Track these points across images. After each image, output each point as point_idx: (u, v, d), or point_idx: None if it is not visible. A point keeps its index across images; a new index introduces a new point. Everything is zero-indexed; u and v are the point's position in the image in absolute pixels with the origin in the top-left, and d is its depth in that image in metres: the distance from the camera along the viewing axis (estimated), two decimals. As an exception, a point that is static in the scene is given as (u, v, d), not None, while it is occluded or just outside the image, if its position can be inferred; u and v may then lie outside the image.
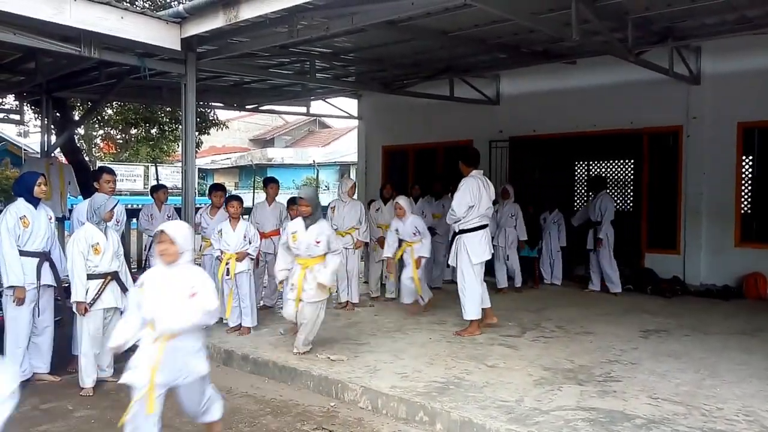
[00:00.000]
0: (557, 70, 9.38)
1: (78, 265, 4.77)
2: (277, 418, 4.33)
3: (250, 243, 6.27)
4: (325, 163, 28.48)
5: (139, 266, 9.83)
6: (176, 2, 10.47)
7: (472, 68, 9.34)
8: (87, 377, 4.85)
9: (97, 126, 18.10)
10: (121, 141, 22.73)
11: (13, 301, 4.85)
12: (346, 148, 26.86)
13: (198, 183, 14.67)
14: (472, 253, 5.96)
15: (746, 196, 8.79)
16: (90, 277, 4.81)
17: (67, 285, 5.06)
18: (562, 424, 3.82)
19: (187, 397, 3.48)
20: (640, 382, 4.63)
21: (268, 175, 9.23)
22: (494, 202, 6.68)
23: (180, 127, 11.90)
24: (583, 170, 10.76)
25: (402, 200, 7.14)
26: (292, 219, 6.92)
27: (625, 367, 5.02)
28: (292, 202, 7.12)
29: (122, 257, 5.13)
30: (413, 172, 12.02)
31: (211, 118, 14.16)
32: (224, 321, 6.59)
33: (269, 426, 4.19)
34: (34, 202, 5.03)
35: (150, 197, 8.15)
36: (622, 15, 6.50)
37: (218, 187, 7.40)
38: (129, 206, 12.38)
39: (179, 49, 5.56)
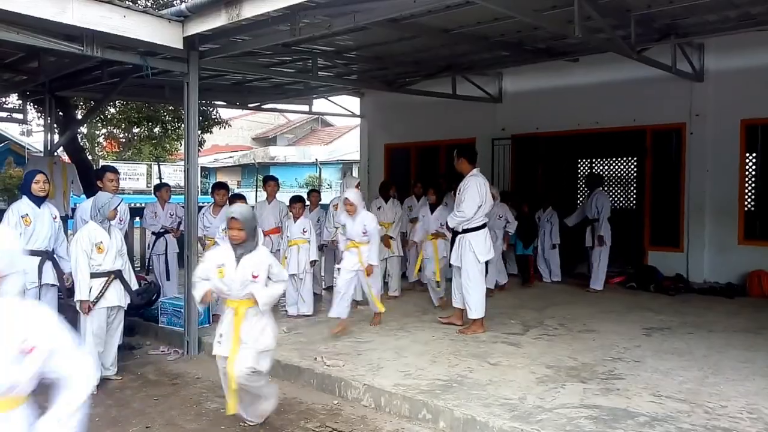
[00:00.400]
0: (560, 67, 9.36)
1: (81, 263, 4.79)
2: (281, 415, 4.33)
3: None
4: (327, 162, 28.46)
5: (143, 265, 9.84)
6: (178, 1, 10.47)
7: (475, 66, 9.33)
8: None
9: (99, 125, 18.12)
10: (123, 140, 22.76)
11: None
12: (349, 146, 26.82)
13: (201, 181, 14.71)
14: (478, 252, 5.99)
15: (750, 194, 8.77)
16: (93, 275, 4.83)
17: (71, 284, 5.07)
18: (565, 422, 3.82)
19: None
20: (643, 379, 4.63)
21: (268, 174, 9.23)
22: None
23: (182, 125, 11.91)
24: (586, 168, 10.76)
25: (351, 194, 6.32)
26: (294, 218, 6.96)
27: (628, 364, 5.02)
28: (294, 200, 7.12)
29: (126, 256, 5.15)
30: (415, 170, 12.02)
31: (213, 116, 14.17)
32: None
33: (273, 424, 4.20)
34: (37, 200, 5.05)
35: (153, 196, 8.17)
36: (625, 12, 6.48)
37: (221, 186, 7.41)
38: (132, 205, 12.41)
39: (182, 47, 5.56)
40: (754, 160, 8.76)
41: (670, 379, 4.64)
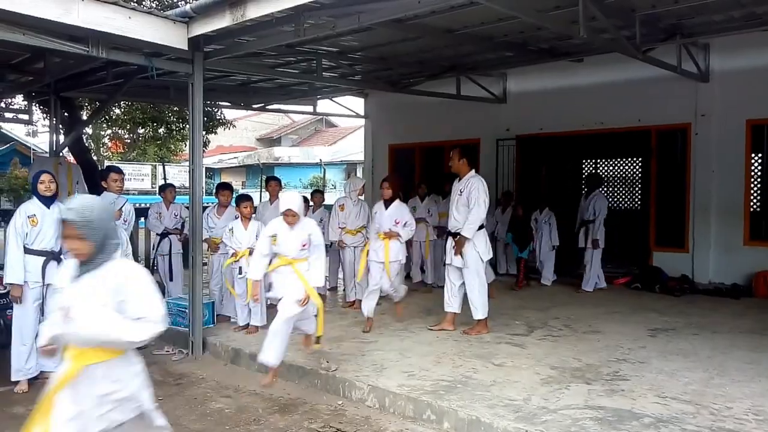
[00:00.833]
0: (564, 67, 9.34)
1: None
2: (285, 416, 4.34)
3: None
4: (331, 162, 28.48)
5: (147, 265, 9.86)
6: (183, 2, 10.49)
7: (479, 66, 9.32)
8: None
9: (104, 125, 18.19)
10: (128, 140, 22.82)
11: (10, 299, 4.95)
12: (353, 146, 26.85)
13: (205, 182, 14.72)
14: (481, 252, 6.00)
15: (755, 194, 8.74)
16: None
17: None
18: (570, 423, 3.81)
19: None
20: (648, 380, 4.61)
21: (270, 175, 9.25)
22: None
23: (187, 126, 11.95)
24: (591, 168, 10.74)
25: (291, 201, 4.80)
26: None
27: (633, 365, 5.00)
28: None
29: (130, 256, 5.16)
30: (420, 170, 12.02)
31: (218, 117, 14.20)
32: (232, 320, 6.63)
33: (277, 424, 4.21)
34: (46, 200, 5.07)
35: (159, 196, 8.19)
36: (630, 12, 6.47)
37: (225, 186, 7.42)
38: (137, 205, 12.44)
39: (186, 48, 5.57)
40: (759, 161, 8.73)
41: (675, 380, 4.63)
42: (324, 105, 13.36)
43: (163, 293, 7.20)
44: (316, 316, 5.09)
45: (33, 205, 5.08)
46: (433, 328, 6.21)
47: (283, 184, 8.32)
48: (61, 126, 9.63)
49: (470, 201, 5.94)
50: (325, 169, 27.41)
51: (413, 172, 12.02)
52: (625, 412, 3.97)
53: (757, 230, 8.59)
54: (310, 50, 7.78)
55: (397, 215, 6.38)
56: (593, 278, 8.52)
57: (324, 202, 8.79)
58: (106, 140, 22.98)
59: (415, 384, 4.54)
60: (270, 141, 36.69)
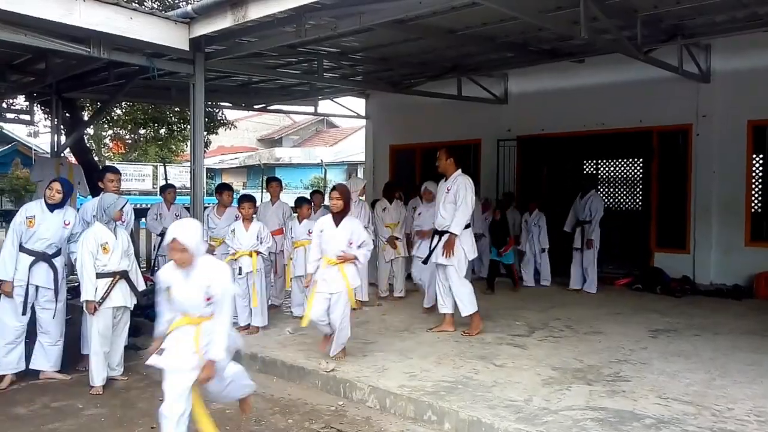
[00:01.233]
0: (566, 68, 9.34)
1: (87, 264, 4.81)
2: (286, 417, 4.34)
3: (261, 243, 6.32)
4: (332, 163, 28.51)
5: (148, 266, 9.87)
6: (184, 2, 10.51)
7: (480, 67, 9.33)
8: (97, 376, 4.88)
9: (106, 126, 18.20)
10: (130, 141, 22.83)
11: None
12: (354, 147, 26.88)
13: (206, 182, 14.73)
14: (467, 250, 6.00)
15: (757, 195, 8.74)
16: (99, 276, 4.84)
17: (76, 284, 5.10)
18: (571, 424, 3.80)
19: None
20: (649, 381, 4.61)
21: (271, 175, 9.27)
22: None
23: (188, 126, 11.94)
24: (592, 169, 10.73)
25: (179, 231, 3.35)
26: (299, 219, 6.98)
27: (634, 366, 5.00)
28: (300, 202, 7.14)
29: (132, 256, 5.16)
30: (420, 171, 12.01)
31: (219, 117, 14.21)
32: (234, 320, 6.63)
33: (277, 425, 4.20)
34: (50, 205, 5.11)
35: (160, 197, 8.21)
36: (631, 13, 6.47)
37: (226, 187, 7.45)
38: (138, 206, 12.45)
39: (188, 49, 5.58)
40: (761, 161, 8.72)
41: (677, 381, 4.62)
42: (325, 106, 13.38)
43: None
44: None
45: (35, 207, 5.13)
46: (434, 330, 6.20)
47: (283, 185, 8.32)
48: (62, 126, 9.65)
49: (457, 199, 5.93)
50: (326, 170, 27.43)
51: (414, 172, 12.02)
52: (626, 413, 3.97)
53: (759, 231, 8.58)
54: (311, 51, 7.79)
55: (350, 234, 5.07)
56: (594, 278, 8.48)
57: (324, 203, 8.78)
58: (107, 141, 23.00)
59: (416, 385, 4.54)
60: (271, 141, 36.73)
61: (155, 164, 25.88)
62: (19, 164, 21.95)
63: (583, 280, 8.57)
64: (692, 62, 8.28)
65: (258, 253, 6.26)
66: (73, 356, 5.36)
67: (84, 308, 4.90)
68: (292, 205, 7.50)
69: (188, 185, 6.54)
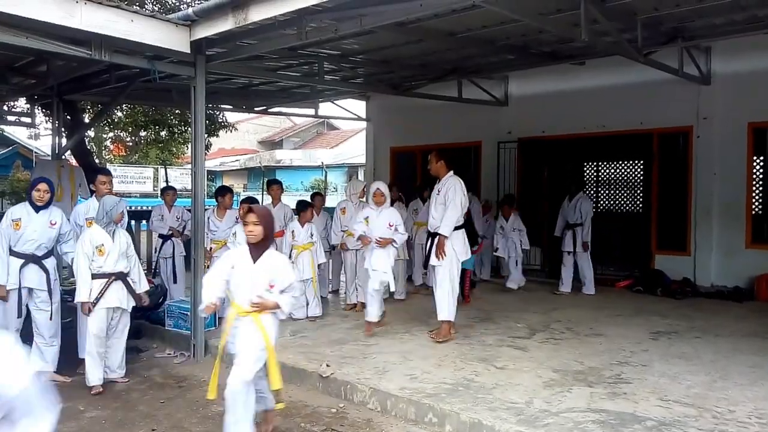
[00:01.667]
0: (566, 71, 9.36)
1: (82, 266, 4.89)
2: (287, 419, 4.33)
3: None
4: (333, 165, 28.50)
5: (149, 268, 9.87)
6: (185, 5, 10.52)
7: (481, 69, 9.34)
8: (93, 376, 4.94)
9: (107, 128, 18.21)
10: (130, 143, 22.84)
11: None
12: (355, 149, 26.87)
13: (207, 185, 14.76)
14: (458, 251, 5.94)
15: (757, 197, 8.73)
16: (94, 276, 4.91)
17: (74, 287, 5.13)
18: (572, 426, 3.80)
19: None
20: (650, 384, 4.60)
21: (272, 178, 9.28)
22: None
23: (189, 129, 11.95)
24: (593, 171, 10.73)
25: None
26: (301, 222, 6.99)
27: (635, 368, 5.00)
28: (303, 206, 7.15)
29: (133, 258, 5.18)
30: (421, 173, 12.01)
31: (220, 120, 14.23)
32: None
33: (279, 427, 4.20)
34: (36, 206, 5.15)
35: (161, 199, 8.22)
36: (631, 15, 6.48)
37: (227, 190, 7.47)
38: (139, 208, 12.47)
39: (189, 51, 5.58)
40: (761, 163, 8.72)
41: (678, 383, 4.62)
42: (326, 108, 13.39)
43: (166, 296, 7.21)
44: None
45: (20, 209, 5.19)
46: (433, 334, 6.14)
47: (284, 187, 8.34)
48: (63, 129, 9.65)
49: (447, 200, 5.90)
50: (326, 172, 27.44)
51: (415, 174, 12.03)
52: (627, 416, 3.97)
53: (759, 233, 8.58)
54: (312, 53, 7.80)
55: (272, 273, 3.70)
56: (591, 279, 8.46)
57: (325, 205, 8.80)
58: (108, 143, 23.02)
59: (417, 387, 4.54)
60: (272, 144, 36.73)
61: (156, 166, 25.89)
62: (20, 166, 21.97)
63: (576, 283, 8.51)
64: (692, 64, 8.29)
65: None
66: (73, 359, 5.36)
67: (79, 309, 4.94)
68: (293, 207, 7.52)
69: (189, 187, 6.54)
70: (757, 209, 8.73)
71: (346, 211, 7.60)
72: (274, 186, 7.82)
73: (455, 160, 6.32)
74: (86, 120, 11.68)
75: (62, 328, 5.43)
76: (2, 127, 18.43)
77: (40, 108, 10.74)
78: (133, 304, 5.16)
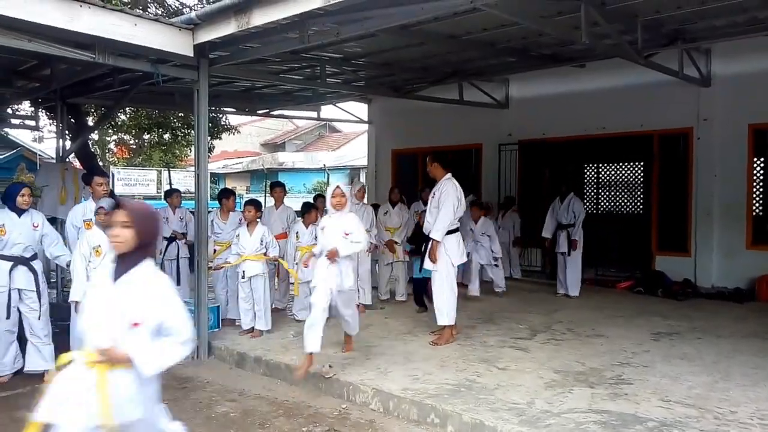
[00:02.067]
0: (566, 73, 9.39)
1: (78, 266, 5.04)
2: (290, 419, 4.36)
3: (266, 247, 6.37)
4: (335, 167, 28.51)
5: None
6: (188, 9, 10.57)
7: (482, 72, 9.36)
8: None
9: (110, 131, 18.27)
10: (134, 146, 22.92)
11: None
12: (356, 152, 26.88)
13: (210, 187, 14.86)
14: (452, 256, 5.88)
15: (758, 198, 8.75)
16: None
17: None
18: (574, 427, 3.82)
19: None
20: (651, 384, 4.62)
21: (275, 180, 9.30)
22: None
23: (192, 132, 12.00)
24: (593, 173, 10.76)
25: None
26: (305, 224, 7.02)
27: (636, 369, 5.01)
28: (307, 208, 7.19)
29: None
30: (422, 175, 12.04)
31: (223, 123, 14.26)
32: (237, 323, 6.67)
33: (282, 428, 4.23)
34: (18, 210, 5.28)
35: (164, 201, 8.26)
36: (632, 17, 6.50)
37: (230, 192, 7.52)
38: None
39: (192, 55, 5.62)
40: (762, 165, 8.74)
41: (679, 384, 4.64)
42: (328, 110, 13.44)
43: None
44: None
45: (2, 216, 5.26)
46: (434, 339, 6.08)
47: (287, 189, 8.38)
48: (67, 132, 9.68)
49: (440, 204, 5.84)
50: (328, 174, 27.46)
51: (416, 177, 12.06)
52: (629, 416, 3.99)
53: (760, 234, 8.59)
54: (314, 56, 7.84)
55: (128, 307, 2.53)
56: (578, 281, 8.35)
57: (326, 207, 8.80)
58: (111, 146, 23.09)
59: (419, 387, 4.56)
60: (274, 146, 36.75)
61: (159, 169, 25.93)
62: (24, 169, 21.97)
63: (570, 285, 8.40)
64: (693, 66, 8.31)
65: (264, 254, 6.33)
66: None
67: (73, 309, 5.09)
68: (296, 209, 7.56)
69: (192, 190, 6.58)
70: (757, 210, 8.74)
71: None
72: (277, 188, 7.87)
73: (456, 162, 6.33)
74: (90, 123, 11.71)
75: (62, 328, 5.51)
76: (6, 130, 18.48)
77: (44, 111, 10.78)
78: None
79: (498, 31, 6.90)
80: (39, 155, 22.17)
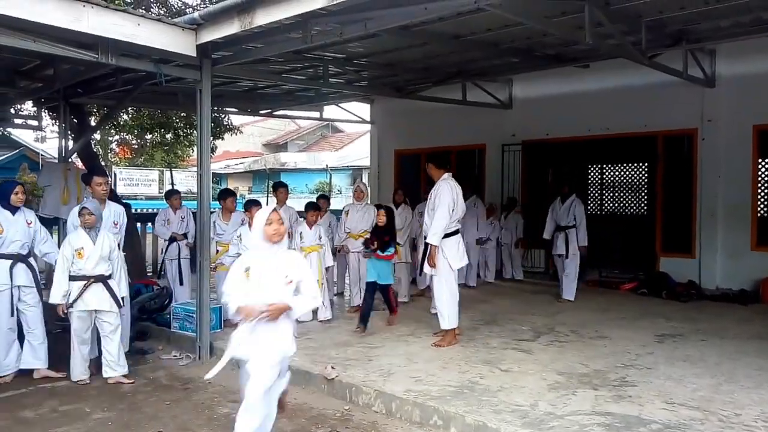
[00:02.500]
0: (570, 73, 9.36)
1: (59, 268, 5.11)
2: (292, 421, 4.35)
3: None
4: (337, 168, 28.55)
5: (155, 270, 9.91)
6: (191, 9, 10.57)
7: (485, 72, 9.34)
8: (76, 370, 5.20)
9: (113, 131, 18.30)
10: (136, 146, 22.96)
11: None
12: (359, 152, 26.90)
13: (213, 187, 14.86)
14: (451, 259, 5.82)
15: (763, 199, 8.71)
16: (73, 278, 5.09)
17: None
18: (577, 429, 3.80)
19: None
20: (655, 387, 4.60)
21: (278, 180, 9.30)
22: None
23: (195, 132, 12.00)
24: (597, 174, 10.73)
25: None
26: (309, 225, 7.00)
27: (640, 371, 4.99)
28: (310, 207, 7.18)
29: (117, 261, 5.28)
30: (425, 176, 12.02)
31: (225, 123, 14.26)
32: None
33: (284, 429, 4.21)
34: (12, 209, 5.35)
35: (165, 202, 8.26)
36: (636, 18, 6.48)
37: (230, 193, 7.53)
38: (144, 210, 12.51)
39: (194, 55, 5.61)
40: (767, 166, 8.70)
41: (683, 386, 4.61)
42: (330, 111, 13.43)
43: (172, 298, 7.24)
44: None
45: None
46: (437, 341, 6.03)
47: (290, 190, 8.39)
48: (69, 132, 9.68)
49: (435, 206, 5.76)
50: (331, 175, 27.50)
51: (419, 177, 12.03)
52: (632, 419, 3.97)
53: (765, 235, 8.55)
54: (316, 56, 7.83)
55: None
56: (574, 286, 8.19)
57: (330, 207, 8.81)
58: (114, 146, 23.14)
59: (422, 389, 4.54)
60: (276, 146, 36.78)
61: (161, 169, 25.98)
62: (26, 169, 22.05)
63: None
64: (697, 67, 8.28)
65: None
66: (66, 358, 5.41)
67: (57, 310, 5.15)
68: (299, 209, 7.56)
69: (194, 190, 6.58)
70: (762, 211, 8.70)
71: (349, 213, 7.66)
72: (280, 189, 7.90)
73: (459, 163, 6.30)
74: (92, 123, 11.72)
75: (61, 330, 5.58)
76: (9, 130, 18.53)
77: (46, 111, 10.78)
78: (122, 305, 5.32)
79: (502, 32, 6.88)
80: (41, 155, 22.22)
